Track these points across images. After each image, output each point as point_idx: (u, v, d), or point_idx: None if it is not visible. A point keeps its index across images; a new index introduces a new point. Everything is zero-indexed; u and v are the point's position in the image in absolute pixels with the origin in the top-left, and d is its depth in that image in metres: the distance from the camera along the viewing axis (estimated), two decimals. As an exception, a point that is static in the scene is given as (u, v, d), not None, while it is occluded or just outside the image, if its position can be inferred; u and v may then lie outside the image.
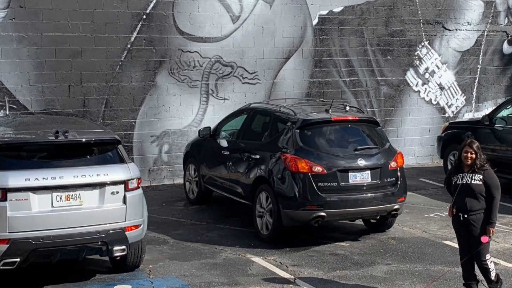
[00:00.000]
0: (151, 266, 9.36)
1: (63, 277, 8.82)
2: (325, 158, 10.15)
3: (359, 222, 11.30)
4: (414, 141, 17.01)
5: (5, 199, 7.96)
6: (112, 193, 8.47)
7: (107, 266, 9.22)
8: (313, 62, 15.79)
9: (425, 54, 17.00)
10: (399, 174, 10.57)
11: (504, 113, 13.93)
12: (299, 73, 15.65)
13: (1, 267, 8.08)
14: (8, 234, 7.96)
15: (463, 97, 17.66)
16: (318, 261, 9.69)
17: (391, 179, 10.46)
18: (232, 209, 12.13)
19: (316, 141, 10.38)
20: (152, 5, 14.08)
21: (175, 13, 14.29)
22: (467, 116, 17.53)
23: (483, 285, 8.25)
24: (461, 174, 7.93)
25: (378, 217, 10.83)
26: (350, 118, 10.87)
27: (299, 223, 10.30)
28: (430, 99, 17.20)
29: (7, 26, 12.94)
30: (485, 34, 17.73)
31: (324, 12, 15.78)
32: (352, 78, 16.21)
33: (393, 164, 10.51)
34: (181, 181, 13.84)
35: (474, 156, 7.85)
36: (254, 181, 10.69)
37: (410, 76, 16.89)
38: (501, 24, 17.96)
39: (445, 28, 17.19)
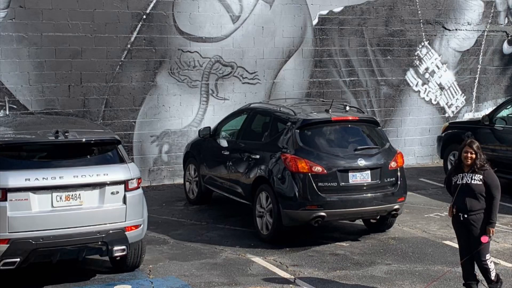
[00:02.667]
0: (151, 266, 9.36)
1: (63, 277, 8.82)
2: (325, 158, 10.14)
3: (359, 222, 11.30)
4: (414, 141, 17.01)
5: (5, 199, 7.96)
6: (112, 193, 8.48)
7: (107, 266, 9.22)
8: (313, 62, 15.79)
9: (425, 54, 17.01)
10: (399, 174, 10.57)
11: (504, 113, 13.92)
12: (299, 73, 15.65)
13: (1, 267, 8.09)
14: (8, 234, 7.96)
15: (463, 97, 17.66)
16: (318, 261, 9.69)
17: (391, 179, 10.46)
18: (232, 209, 12.13)
19: (316, 141, 10.38)
20: (152, 5, 14.08)
21: (175, 13, 14.29)
22: (467, 116, 17.53)
23: (483, 285, 8.25)
24: (461, 174, 7.93)
25: (378, 217, 10.84)
26: (350, 118, 10.87)
27: (299, 223, 10.30)
28: (430, 99, 17.20)
29: (7, 26, 12.94)
30: (485, 34, 17.73)
31: (324, 12, 15.79)
32: (352, 78, 16.21)
33: (393, 164, 10.51)
34: (181, 181, 13.84)
35: (474, 156, 7.85)
36: (254, 181, 10.69)
37: (410, 76, 16.89)
38: (501, 24, 17.96)
39: (445, 28, 17.20)
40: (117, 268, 9.09)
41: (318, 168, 10.01)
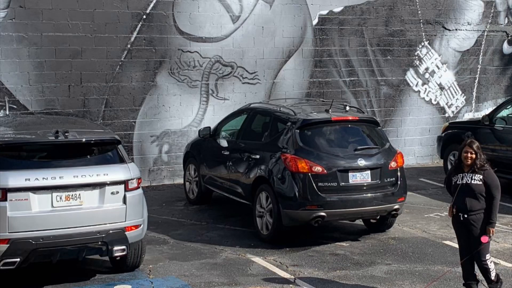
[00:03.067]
0: (151, 266, 9.36)
1: (63, 277, 8.82)
2: (325, 158, 10.14)
3: (359, 222, 11.30)
4: (414, 141, 17.01)
5: (5, 199, 7.96)
6: (112, 193, 8.47)
7: (107, 266, 9.22)
8: (313, 62, 15.79)
9: (425, 54, 17.01)
10: (399, 174, 10.57)
11: (504, 113, 13.92)
12: (299, 73, 15.66)
13: (1, 267, 8.09)
14: (8, 234, 7.96)
15: (463, 97, 17.66)
16: (318, 261, 9.69)
17: (391, 179, 10.46)
18: (232, 209, 12.13)
19: (316, 141, 10.38)
20: (152, 5, 14.08)
21: (175, 13, 14.29)
22: (467, 116, 17.53)
23: (483, 285, 8.25)
24: (461, 174, 7.93)
25: (378, 217, 10.84)
26: (350, 118, 10.86)
27: (299, 223, 10.30)
28: (430, 99, 17.20)
29: (7, 26, 12.94)
30: (485, 34, 17.73)
31: (324, 12, 15.79)
32: (352, 78, 16.22)
33: (393, 164, 10.51)
34: (181, 181, 13.84)
35: (474, 156, 7.85)
36: (254, 181, 10.69)
37: (410, 76, 16.89)
38: (501, 24, 17.96)
39: (445, 28, 17.20)
40: (117, 268, 9.09)
41: (318, 168, 10.01)
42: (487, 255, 7.95)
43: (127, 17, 13.90)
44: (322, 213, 10.02)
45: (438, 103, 17.31)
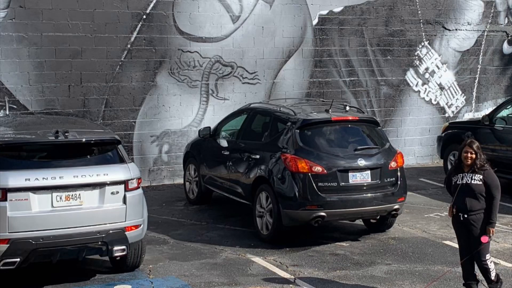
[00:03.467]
0: (151, 266, 9.36)
1: (63, 277, 8.83)
2: (325, 158, 10.15)
3: (359, 222, 11.30)
4: (414, 141, 17.01)
5: (5, 199, 7.96)
6: (112, 193, 8.48)
7: (107, 266, 9.22)
8: (313, 62, 15.79)
9: (425, 54, 17.01)
10: (399, 174, 10.57)
11: (504, 113, 13.93)
12: (299, 73, 15.65)
13: (1, 267, 8.09)
14: (8, 234, 7.97)
15: (463, 97, 17.66)
16: (318, 261, 9.69)
17: (391, 179, 10.46)
18: (232, 209, 12.13)
19: (316, 141, 10.38)
20: (152, 5, 14.08)
21: (175, 13, 14.29)
22: (467, 116, 17.53)
23: (483, 285, 8.25)
24: (461, 174, 7.93)
25: (378, 217, 10.84)
26: (350, 118, 10.87)
27: (299, 223, 10.30)
28: (430, 99, 17.20)
29: (7, 26, 12.94)
30: (485, 34, 17.73)
31: (324, 12, 15.79)
32: (352, 78, 16.22)
33: (393, 164, 10.51)
34: (181, 181, 13.84)
35: (474, 156, 7.85)
36: (254, 181, 10.69)
37: (410, 76, 16.89)
38: (501, 24, 17.96)
39: (445, 28, 17.20)
40: (117, 268, 9.09)
41: (318, 168, 10.01)
42: (487, 255, 7.95)
43: (127, 17, 13.90)
44: (322, 213, 10.02)
45: (438, 103, 17.31)
